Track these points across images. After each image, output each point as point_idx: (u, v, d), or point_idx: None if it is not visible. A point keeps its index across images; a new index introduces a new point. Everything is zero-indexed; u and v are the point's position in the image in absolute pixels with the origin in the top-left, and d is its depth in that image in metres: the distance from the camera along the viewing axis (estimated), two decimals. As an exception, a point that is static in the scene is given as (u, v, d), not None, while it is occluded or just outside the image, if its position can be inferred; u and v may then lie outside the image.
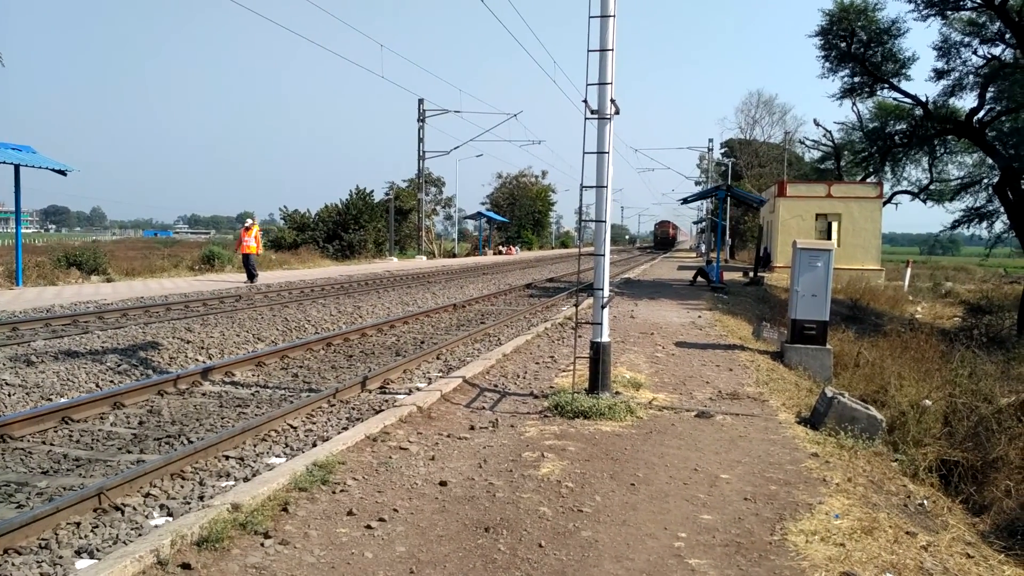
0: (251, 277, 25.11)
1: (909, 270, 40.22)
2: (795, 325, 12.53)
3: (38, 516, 5.20)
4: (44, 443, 7.54)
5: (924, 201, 48.04)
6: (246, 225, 25.83)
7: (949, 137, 38.19)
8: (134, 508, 5.77)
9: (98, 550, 5.00)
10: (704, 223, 77.06)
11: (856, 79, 36.91)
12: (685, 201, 38.07)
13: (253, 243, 25.51)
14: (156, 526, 5.31)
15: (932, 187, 46.94)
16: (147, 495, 6.05)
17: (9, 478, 6.48)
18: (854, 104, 43.07)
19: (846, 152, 50.96)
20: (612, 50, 8.85)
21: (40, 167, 21.65)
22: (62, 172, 22.22)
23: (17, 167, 21.13)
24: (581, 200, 13.05)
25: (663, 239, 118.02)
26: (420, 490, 5.86)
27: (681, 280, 31.72)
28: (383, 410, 8.48)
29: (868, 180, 45.38)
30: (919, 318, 25.55)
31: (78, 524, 5.37)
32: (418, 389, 9.82)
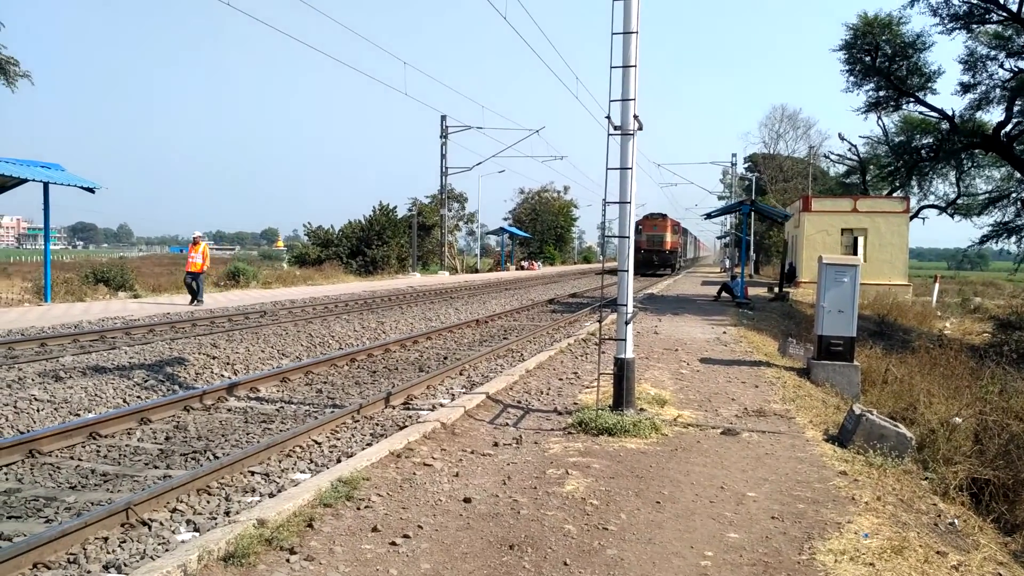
0: (194, 296, 22.92)
1: (937, 285, 39.74)
2: (822, 341, 12.42)
3: (67, 531, 5.24)
4: (72, 458, 7.61)
5: (951, 215, 47.67)
6: (193, 240, 23.56)
7: (976, 151, 37.88)
8: (161, 523, 5.80)
9: (126, 565, 5.03)
10: (728, 238, 76.71)
11: (881, 93, 36.73)
12: (709, 216, 37.93)
13: (199, 260, 22.95)
14: (183, 541, 5.33)
15: (959, 201, 46.54)
16: (174, 510, 6.08)
17: (38, 493, 6.55)
18: (879, 118, 42.90)
19: (872, 166, 50.67)
20: (635, 66, 8.86)
21: (69, 185, 21.97)
22: (90, 189, 22.53)
23: (46, 185, 21.45)
24: (604, 216, 12.92)
25: (651, 252, 55.68)
26: (444, 507, 5.85)
27: (705, 295, 31.56)
28: (407, 426, 8.49)
29: (894, 194, 45.02)
30: (948, 334, 25.20)
31: (106, 539, 5.41)
32: (441, 405, 9.82)
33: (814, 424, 9.13)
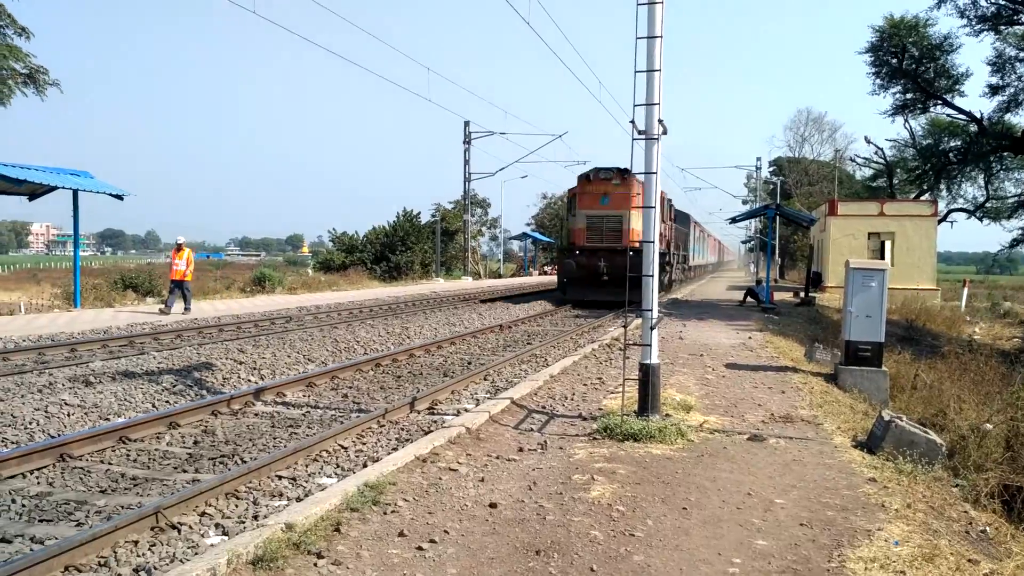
0: (169, 305, 21.47)
1: (966, 290, 39.26)
2: (849, 346, 12.30)
3: (97, 534, 5.30)
4: (103, 462, 7.70)
5: (980, 219, 47.05)
6: (176, 245, 22.43)
7: (1005, 154, 37.37)
8: (190, 527, 5.85)
9: (156, 568, 5.08)
10: (753, 242, 76.20)
11: (908, 95, 36.43)
12: (734, 220, 37.72)
13: (184, 267, 21.68)
14: (212, 545, 5.38)
15: (988, 205, 45.94)
16: (203, 514, 6.13)
17: (69, 496, 6.63)
18: (906, 121, 42.50)
19: (899, 169, 50.15)
20: (659, 70, 8.85)
21: (98, 192, 22.26)
22: (119, 197, 22.81)
23: (76, 192, 21.76)
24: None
25: (594, 255, 26.67)
26: (470, 512, 5.86)
27: (730, 300, 31.37)
28: (432, 431, 8.51)
29: (922, 198, 44.54)
30: (977, 339, 24.88)
31: (136, 542, 5.46)
32: (466, 410, 9.83)
33: (842, 430, 9.05)
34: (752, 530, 5.65)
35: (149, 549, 5.40)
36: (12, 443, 8.19)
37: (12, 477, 7.02)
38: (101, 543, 5.30)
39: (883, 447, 8.04)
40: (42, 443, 7.85)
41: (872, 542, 5.46)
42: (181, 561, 5.13)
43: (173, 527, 5.78)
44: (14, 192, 21.85)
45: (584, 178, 27.33)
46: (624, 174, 26.02)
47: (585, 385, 11.36)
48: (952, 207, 47.40)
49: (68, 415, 9.34)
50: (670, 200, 35.11)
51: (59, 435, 8.53)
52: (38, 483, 6.99)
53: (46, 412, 9.24)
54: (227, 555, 4.60)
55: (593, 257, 26.22)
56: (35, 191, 22.12)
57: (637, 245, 22.16)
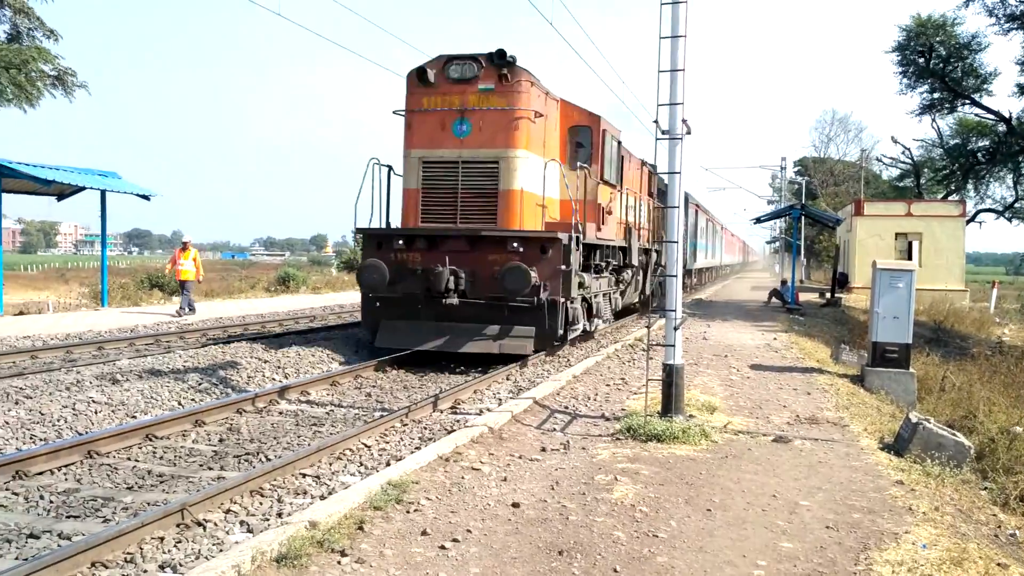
0: (184, 306, 20.87)
1: (995, 291, 38.72)
2: (876, 348, 12.18)
3: (124, 531, 5.35)
4: (129, 459, 7.77)
5: (1009, 220, 46.45)
6: (183, 244, 21.65)
7: (1035, 154, 36.85)
8: (215, 524, 5.89)
9: (181, 565, 5.11)
10: (777, 243, 75.65)
11: (935, 95, 36.08)
12: (758, 220, 37.54)
13: (190, 267, 20.92)
14: (236, 542, 5.41)
15: (1017, 205, 45.33)
16: (228, 511, 6.17)
17: (96, 493, 6.70)
18: (934, 120, 42.04)
19: (926, 169, 49.63)
20: (683, 70, 8.81)
21: (125, 192, 22.51)
22: (146, 197, 23.05)
23: (103, 192, 22.02)
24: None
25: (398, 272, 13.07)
26: (493, 511, 5.85)
27: (755, 301, 31.17)
28: (455, 430, 8.51)
29: (950, 198, 44.03)
30: (1007, 341, 24.53)
31: (162, 539, 5.51)
32: (489, 410, 9.83)
33: (869, 432, 8.95)
34: (777, 532, 5.60)
35: (175, 546, 5.44)
36: (40, 440, 8.28)
37: (40, 473, 7.10)
38: (128, 539, 5.34)
39: (910, 449, 7.95)
40: (70, 440, 7.94)
41: (899, 545, 5.39)
42: (206, 558, 5.16)
43: (198, 524, 5.82)
44: (43, 193, 22.19)
45: (418, 78, 13.58)
46: (501, 66, 13.18)
47: (608, 385, 11.32)
48: (980, 207, 46.86)
49: (95, 412, 9.44)
50: (653, 167, 21.67)
51: (86, 432, 8.62)
52: (66, 479, 7.07)
53: (74, 409, 9.34)
54: (251, 552, 4.63)
55: (432, 254, 13.26)
56: (63, 192, 22.43)
57: (531, 232, 13.37)
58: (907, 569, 4.99)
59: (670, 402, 8.77)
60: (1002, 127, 34.80)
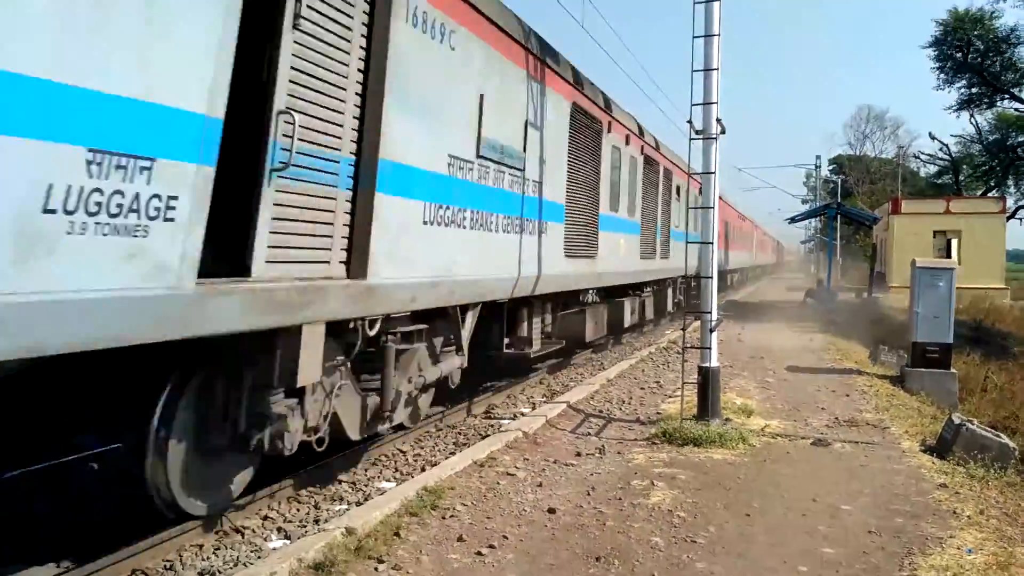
0: None
1: (1037, 288, 37.97)
2: (916, 348, 11.98)
3: (163, 538, 5.40)
4: (168, 465, 7.84)
5: (1051, 216, 45.51)
6: None
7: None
8: (253, 531, 5.92)
9: (219, 572, 5.14)
10: (813, 242, 74.81)
11: (974, 90, 35.56)
12: (793, 220, 37.15)
13: None
14: (274, 549, 5.43)
15: (1060, 201, 44.43)
16: (265, 518, 6.20)
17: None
18: (972, 116, 41.37)
19: (964, 166, 48.81)
20: (717, 69, 8.74)
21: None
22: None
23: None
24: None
25: None
26: (528, 517, 5.83)
27: (790, 301, 30.82)
28: (489, 435, 8.49)
29: (990, 194, 43.24)
30: (1051, 339, 24.02)
31: (200, 546, 5.55)
32: (522, 414, 9.80)
33: (910, 434, 8.79)
34: (818, 537, 5.51)
35: (214, 553, 5.48)
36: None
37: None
38: (167, 547, 5.39)
39: (953, 451, 7.78)
40: (111, 447, 8.03)
41: (944, 550, 5.28)
42: (245, 565, 5.18)
43: (237, 531, 5.86)
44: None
45: None
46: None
47: (642, 389, 11.25)
48: (1021, 203, 45.96)
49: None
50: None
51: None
52: (107, 486, 7.15)
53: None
54: (290, 560, 4.64)
55: None
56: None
57: None
58: (952, 575, 4.88)
59: (706, 405, 8.68)
60: (1043, 121, 34.16)
